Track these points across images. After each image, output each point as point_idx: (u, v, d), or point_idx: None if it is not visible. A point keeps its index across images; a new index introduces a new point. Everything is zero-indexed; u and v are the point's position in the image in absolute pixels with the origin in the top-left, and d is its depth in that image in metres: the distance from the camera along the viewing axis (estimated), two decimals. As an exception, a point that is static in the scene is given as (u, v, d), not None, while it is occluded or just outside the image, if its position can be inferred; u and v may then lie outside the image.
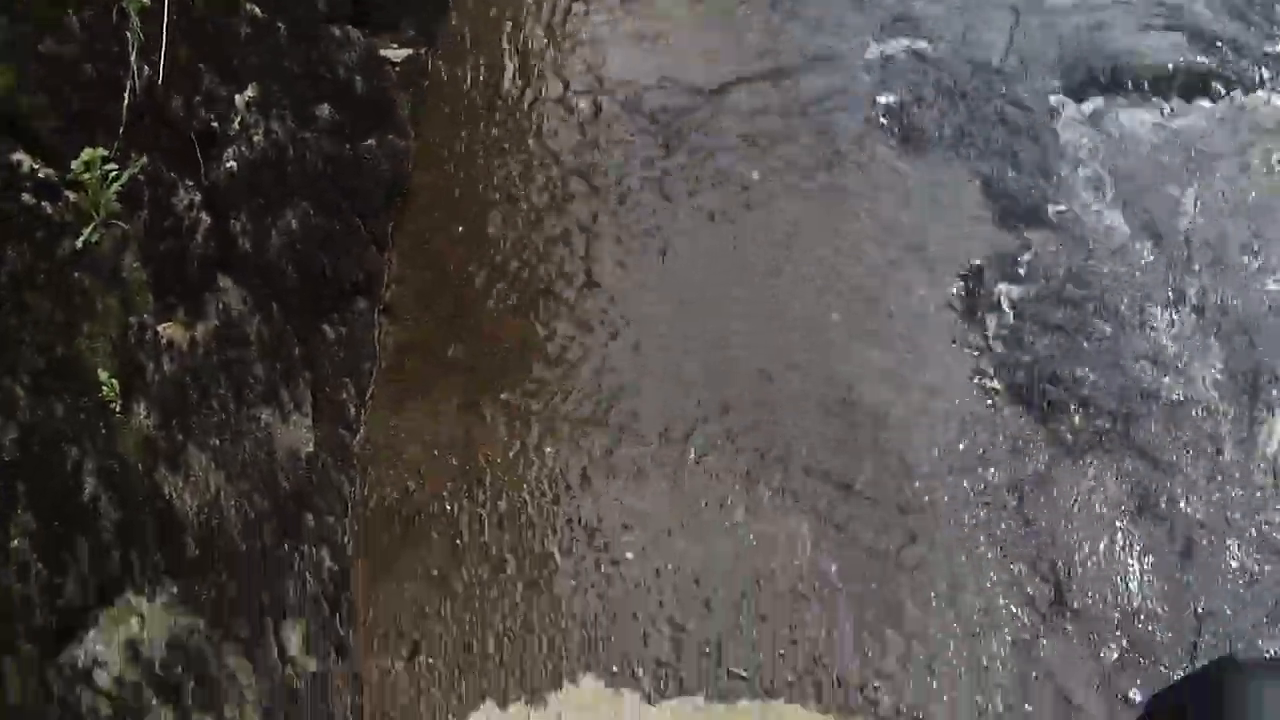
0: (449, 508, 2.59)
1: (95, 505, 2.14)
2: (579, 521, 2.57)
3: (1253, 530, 2.55)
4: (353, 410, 2.71)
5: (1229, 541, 2.55)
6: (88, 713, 2.05)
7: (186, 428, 2.34)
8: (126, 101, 2.49)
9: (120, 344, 2.28)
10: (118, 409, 2.22)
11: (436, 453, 2.66)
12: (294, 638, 2.38)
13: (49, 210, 2.28)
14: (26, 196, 2.28)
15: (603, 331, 2.80)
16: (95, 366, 2.22)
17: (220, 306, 2.50)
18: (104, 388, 2.20)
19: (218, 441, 2.37)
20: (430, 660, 2.45)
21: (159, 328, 2.36)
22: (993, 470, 2.62)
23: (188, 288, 2.48)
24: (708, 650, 2.45)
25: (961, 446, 2.64)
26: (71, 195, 2.32)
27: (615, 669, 2.44)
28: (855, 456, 2.62)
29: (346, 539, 2.54)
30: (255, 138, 2.76)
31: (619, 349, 2.78)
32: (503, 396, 2.72)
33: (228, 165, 2.68)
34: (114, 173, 2.34)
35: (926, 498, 2.59)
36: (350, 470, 2.63)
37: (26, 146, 2.32)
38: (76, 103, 2.43)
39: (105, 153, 2.31)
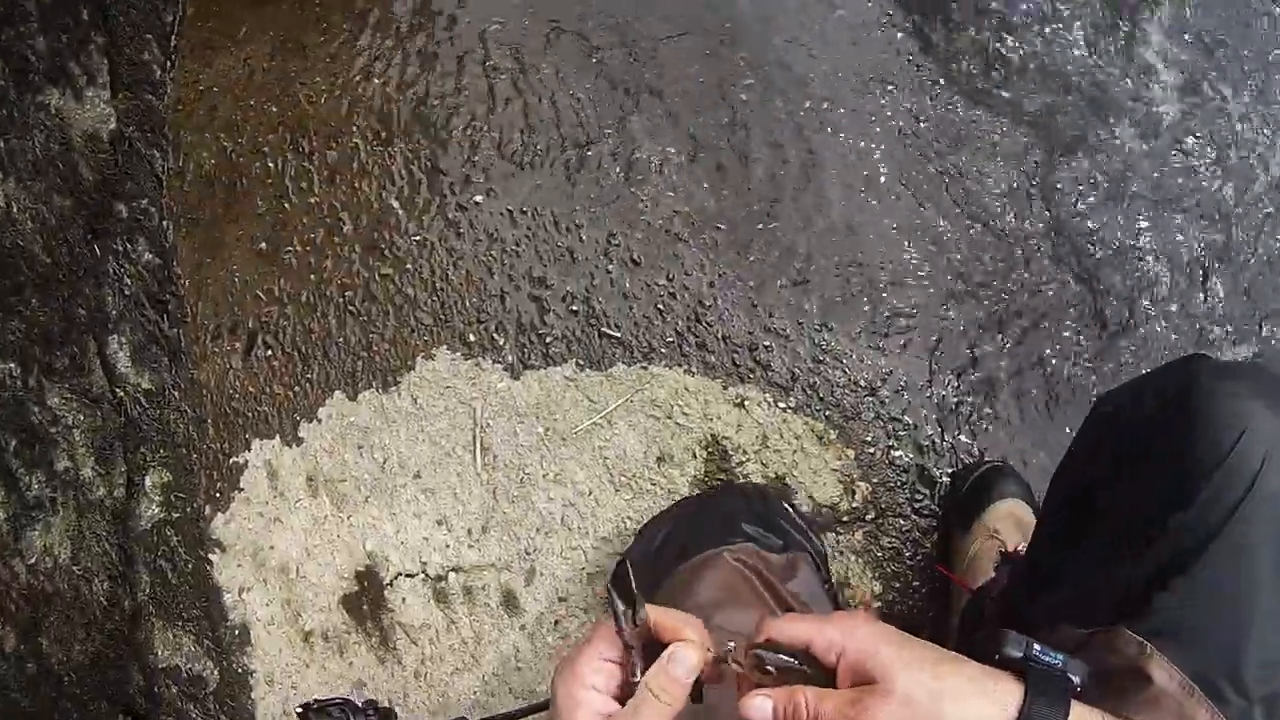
0: (272, 165, 2.11)
1: None
2: (419, 164, 2.04)
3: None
4: (158, 71, 2.24)
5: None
6: None
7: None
8: None
9: None
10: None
11: (253, 103, 2.16)
12: (121, 354, 2.01)
13: None
14: None
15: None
16: None
17: None
18: None
19: (2, 143, 1.97)
20: (269, 352, 2.00)
21: None
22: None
23: None
24: (574, 309, 1.91)
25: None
26: None
27: (473, 338, 1.94)
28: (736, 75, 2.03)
29: (165, 223, 2.11)
30: None
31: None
32: (324, 26, 2.19)
33: None
34: None
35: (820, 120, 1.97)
36: (161, 141, 2.18)
37: None
38: None
39: None
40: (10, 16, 2.04)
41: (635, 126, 1.96)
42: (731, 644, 0.90)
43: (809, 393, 1.80)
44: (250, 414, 1.99)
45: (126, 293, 2.03)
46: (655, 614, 0.90)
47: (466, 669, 1.83)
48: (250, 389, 2.00)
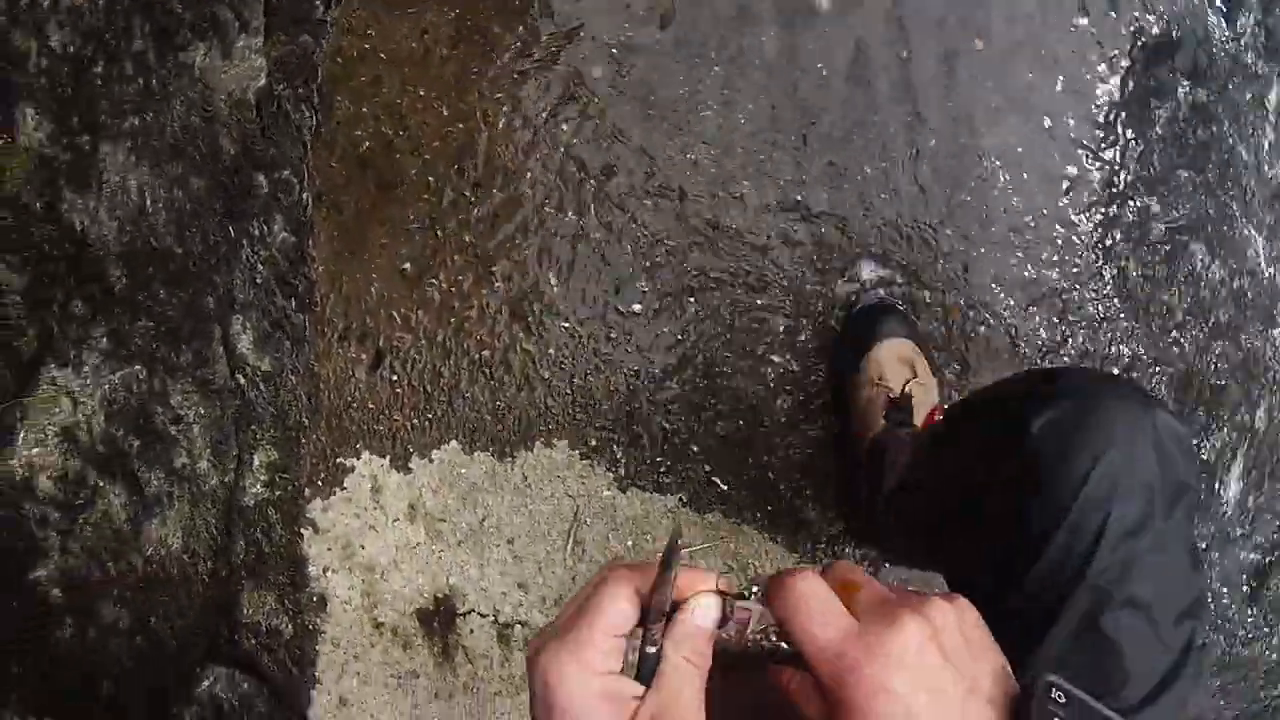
0: (431, 180, 2.13)
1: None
2: (588, 247, 2.12)
3: None
4: (320, 7, 2.14)
5: None
6: (37, 525, 1.91)
7: (93, 123, 1.91)
8: None
9: None
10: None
11: (423, 94, 2.14)
12: (244, 337, 2.15)
13: None
14: None
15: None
16: None
17: None
18: None
19: (136, 121, 1.94)
20: (395, 377, 2.19)
21: None
22: None
23: None
24: (697, 453, 2.17)
25: None
26: None
27: (594, 443, 2.16)
28: None
29: (305, 196, 2.16)
30: None
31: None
32: (521, 27, 2.12)
33: None
34: None
35: None
36: (313, 95, 2.14)
37: None
38: None
39: None
40: None
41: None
42: (755, 588, 0.82)
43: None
44: (365, 427, 2.20)
45: (258, 281, 2.12)
46: (685, 576, 0.82)
47: (507, 695, 2.23)
48: (370, 404, 2.19)
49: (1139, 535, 1.09)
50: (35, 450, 1.93)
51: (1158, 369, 2.14)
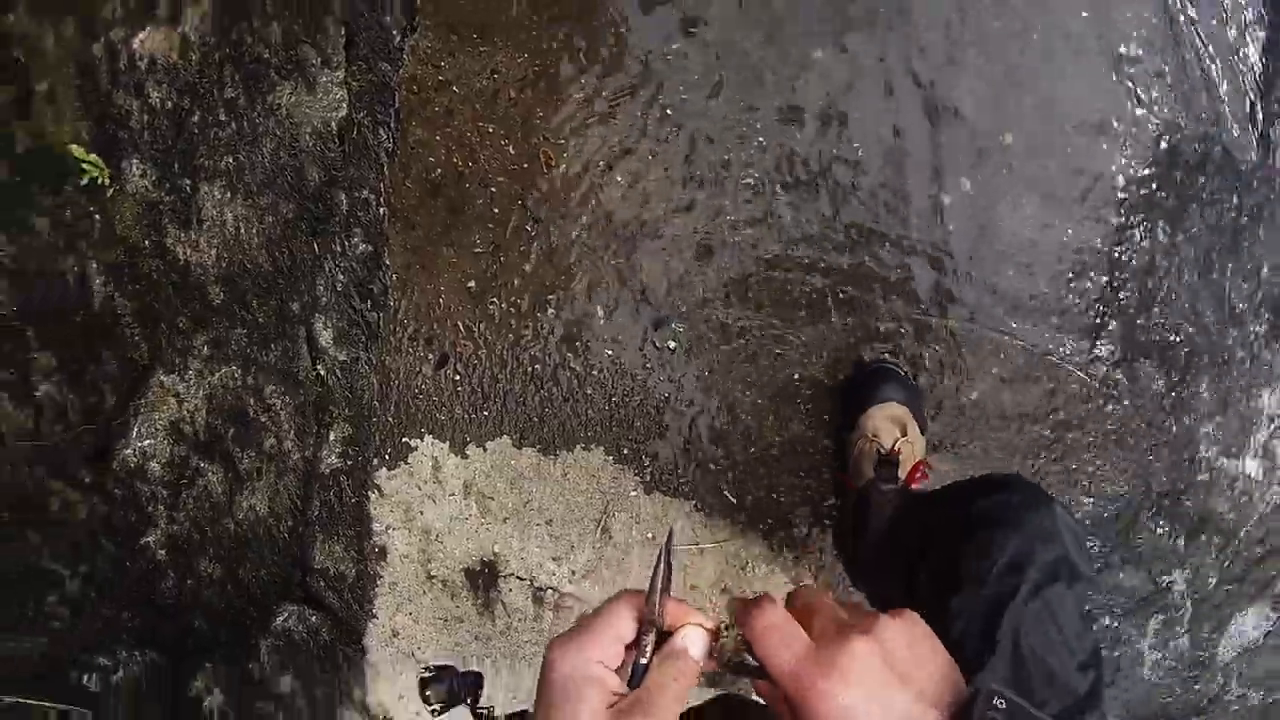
0: (497, 211, 2.42)
1: (110, 306, 2.13)
2: (631, 286, 2.43)
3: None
4: (396, 36, 2.37)
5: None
6: (147, 502, 2.23)
7: (192, 168, 2.15)
8: None
9: (88, 94, 2.02)
10: (108, 187, 2.07)
11: (491, 130, 2.39)
12: (326, 333, 2.45)
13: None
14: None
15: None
16: (66, 144, 2.02)
17: None
18: (85, 169, 2.01)
19: (231, 160, 2.19)
20: (457, 377, 2.52)
21: (135, 43, 2.05)
22: None
23: None
24: (714, 467, 2.54)
25: None
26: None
27: (626, 451, 2.52)
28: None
29: (381, 210, 2.46)
30: None
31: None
32: (583, 80, 2.38)
33: None
34: None
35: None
36: (390, 119, 2.39)
37: None
38: None
39: None
40: (240, 9, 2.18)
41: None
42: (736, 630, 0.96)
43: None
44: (429, 416, 2.54)
45: (338, 286, 2.41)
46: (672, 605, 0.96)
47: (536, 645, 2.66)
48: (434, 398, 2.52)
49: (1040, 595, 1.40)
50: (147, 442, 2.27)
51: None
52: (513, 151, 2.39)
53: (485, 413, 2.52)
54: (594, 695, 0.90)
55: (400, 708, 2.75)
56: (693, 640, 0.95)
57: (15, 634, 2.30)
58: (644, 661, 0.94)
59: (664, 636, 0.95)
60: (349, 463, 2.56)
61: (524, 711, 2.53)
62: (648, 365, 2.44)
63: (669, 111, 2.35)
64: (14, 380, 2.11)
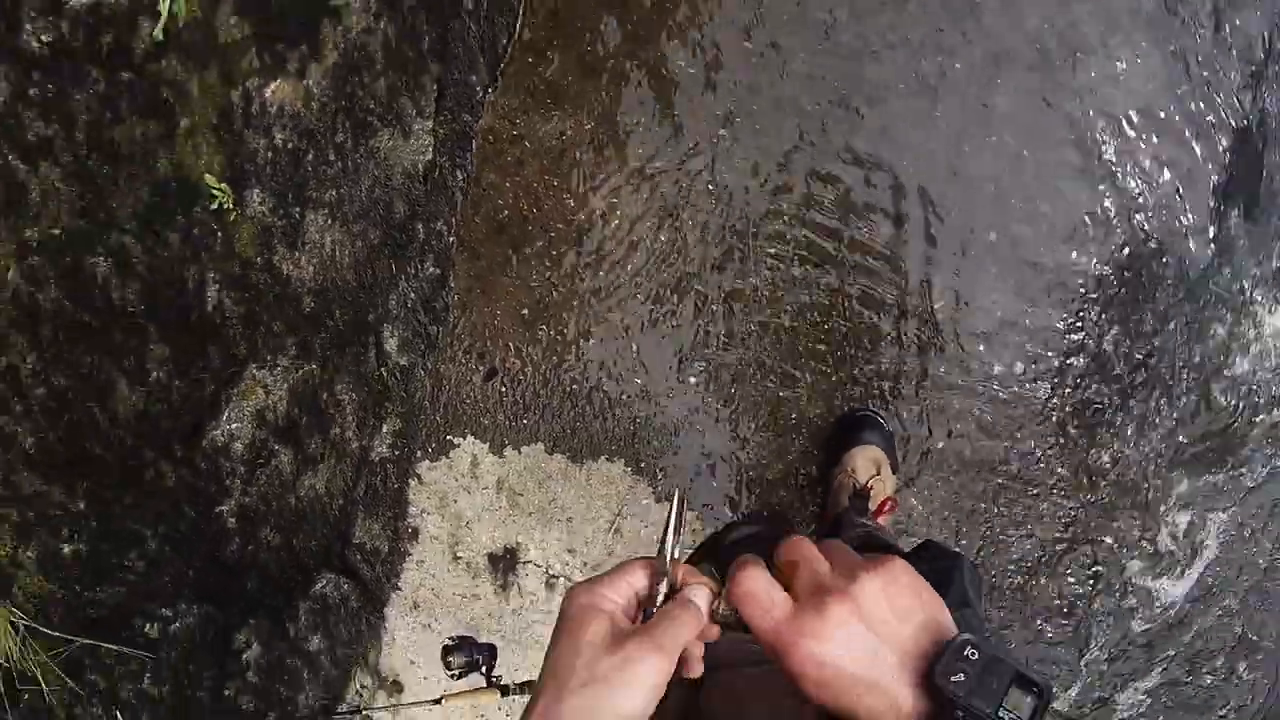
0: (553, 254, 2.83)
1: (220, 310, 2.47)
2: (659, 324, 2.86)
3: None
4: (479, 91, 2.77)
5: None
6: (227, 476, 2.59)
7: (302, 198, 2.51)
8: None
9: (224, 131, 2.35)
10: (232, 211, 2.41)
11: (555, 185, 2.81)
12: (392, 340, 2.82)
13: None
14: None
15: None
16: (202, 173, 2.34)
17: (340, 30, 2.47)
18: (215, 195, 2.34)
19: (335, 193, 2.55)
20: (503, 389, 2.92)
21: (267, 92, 2.39)
22: None
23: (301, 23, 2.44)
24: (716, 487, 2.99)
25: None
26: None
27: (643, 465, 2.95)
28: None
29: (451, 239, 2.84)
30: None
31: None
32: (646, 150, 2.80)
33: None
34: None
35: None
36: (467, 162, 2.80)
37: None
38: None
39: None
40: (356, 67, 2.54)
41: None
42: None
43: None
44: (473, 419, 2.94)
45: (408, 303, 2.79)
46: (683, 569, 1.05)
47: (544, 625, 3.08)
48: (480, 404, 2.93)
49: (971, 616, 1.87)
50: (234, 425, 2.62)
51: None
52: (572, 205, 2.80)
53: (524, 421, 2.93)
54: (601, 623, 1.00)
55: (410, 672, 3.16)
56: (698, 595, 1.04)
57: (100, 584, 2.65)
58: (653, 610, 1.04)
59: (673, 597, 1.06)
60: (396, 453, 2.94)
61: (531, 680, 2.93)
62: (671, 395, 2.87)
63: (710, 186, 2.78)
64: (132, 368, 2.45)
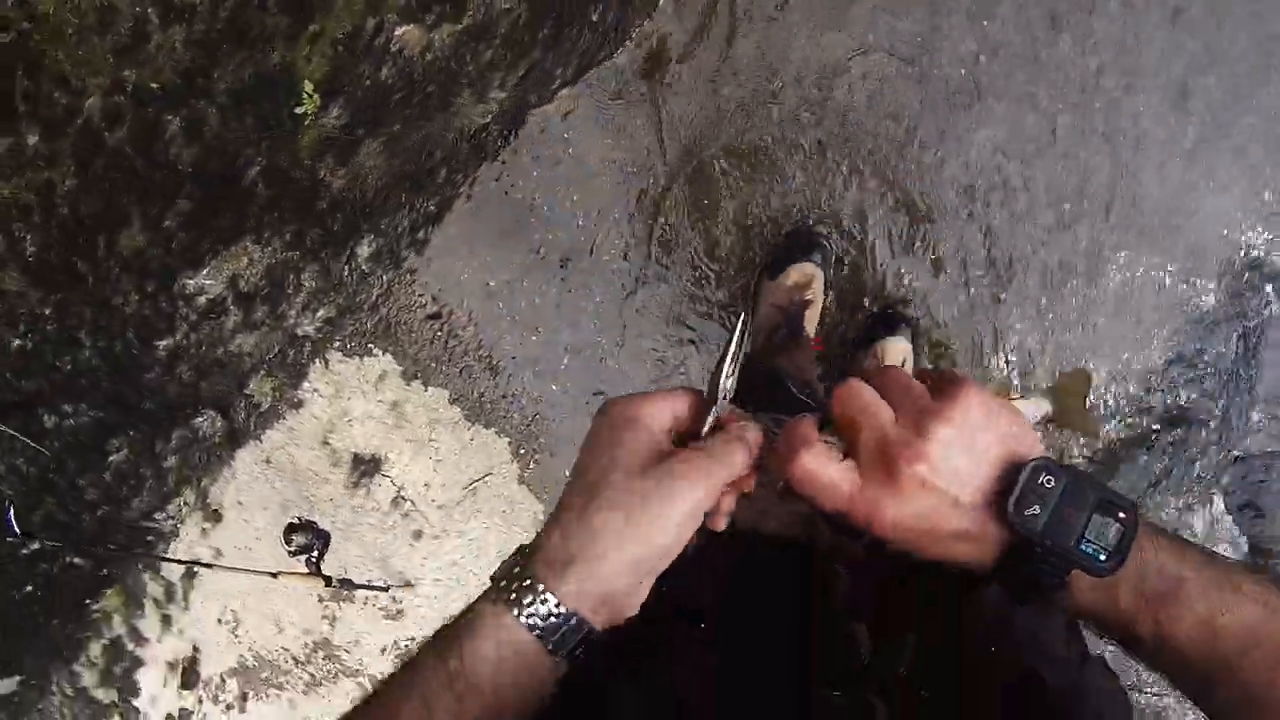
0: (539, 252, 3.11)
1: (252, 189, 2.64)
2: (588, 369, 3.24)
3: None
4: (558, 83, 3.01)
5: None
6: (180, 320, 2.76)
7: (369, 125, 2.69)
8: None
9: (343, 48, 2.50)
10: (309, 117, 2.55)
11: (575, 199, 3.08)
12: (367, 248, 3.03)
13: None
14: None
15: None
16: (304, 77, 2.49)
17: (485, 3, 2.63)
18: (305, 99, 2.49)
19: (398, 127, 2.73)
20: (439, 334, 3.20)
21: (397, 31, 2.54)
22: None
23: None
24: None
25: None
26: None
27: (522, 451, 3.36)
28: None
29: (462, 191, 3.06)
30: None
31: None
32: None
33: None
34: None
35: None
36: (510, 137, 3.05)
37: None
38: None
39: None
40: (478, 35, 2.75)
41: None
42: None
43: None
44: (399, 343, 3.24)
45: (398, 228, 3.03)
46: (733, 414, 1.00)
47: (376, 530, 3.45)
48: (412, 334, 3.23)
49: None
50: (208, 281, 2.79)
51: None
52: (579, 225, 3.08)
53: (443, 368, 3.24)
54: (641, 436, 0.95)
55: (234, 510, 3.46)
56: (750, 433, 0.98)
57: (28, 376, 2.79)
58: (701, 436, 0.99)
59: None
60: (318, 334, 3.19)
61: (348, 579, 3.31)
62: (576, 413, 3.25)
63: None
64: (153, 214, 2.58)
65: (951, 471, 0.91)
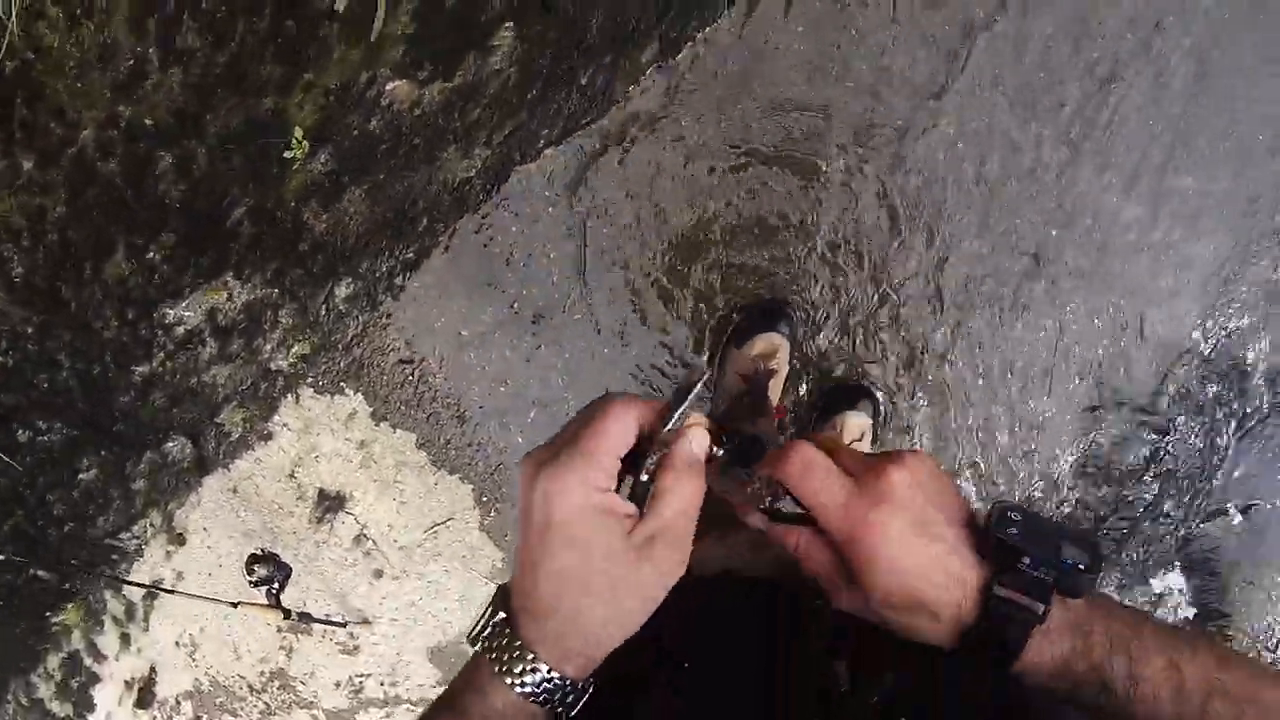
0: (512, 306, 3.19)
1: (237, 228, 2.77)
2: (554, 425, 3.29)
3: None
4: (542, 143, 3.07)
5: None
6: (158, 348, 2.87)
7: (358, 176, 2.82)
8: None
9: (335, 98, 2.63)
10: (298, 162, 2.68)
11: (551, 257, 3.15)
12: (345, 290, 3.13)
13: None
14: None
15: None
16: (295, 124, 2.62)
17: (478, 62, 2.76)
18: (295, 144, 2.62)
19: (383, 176, 2.86)
20: (410, 379, 3.29)
21: (388, 86, 2.67)
22: None
23: (457, 47, 2.72)
24: None
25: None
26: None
27: (484, 500, 3.45)
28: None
29: (441, 240, 3.16)
30: None
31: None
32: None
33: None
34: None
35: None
36: (491, 191, 3.12)
37: None
38: None
39: None
40: (468, 94, 2.85)
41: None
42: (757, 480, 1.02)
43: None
44: (370, 383, 3.32)
45: (378, 272, 3.13)
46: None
47: (337, 566, 3.53)
48: (384, 376, 3.30)
49: None
50: (188, 312, 2.91)
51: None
52: (554, 282, 3.18)
53: (412, 412, 3.33)
54: (611, 531, 0.90)
55: (198, 535, 3.55)
56: (696, 440, 0.96)
57: (5, 391, 2.90)
58: (645, 479, 0.93)
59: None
60: (290, 372, 3.29)
61: (307, 613, 3.39)
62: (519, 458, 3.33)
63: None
64: (138, 245, 2.70)
65: (928, 489, 0.98)
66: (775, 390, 2.96)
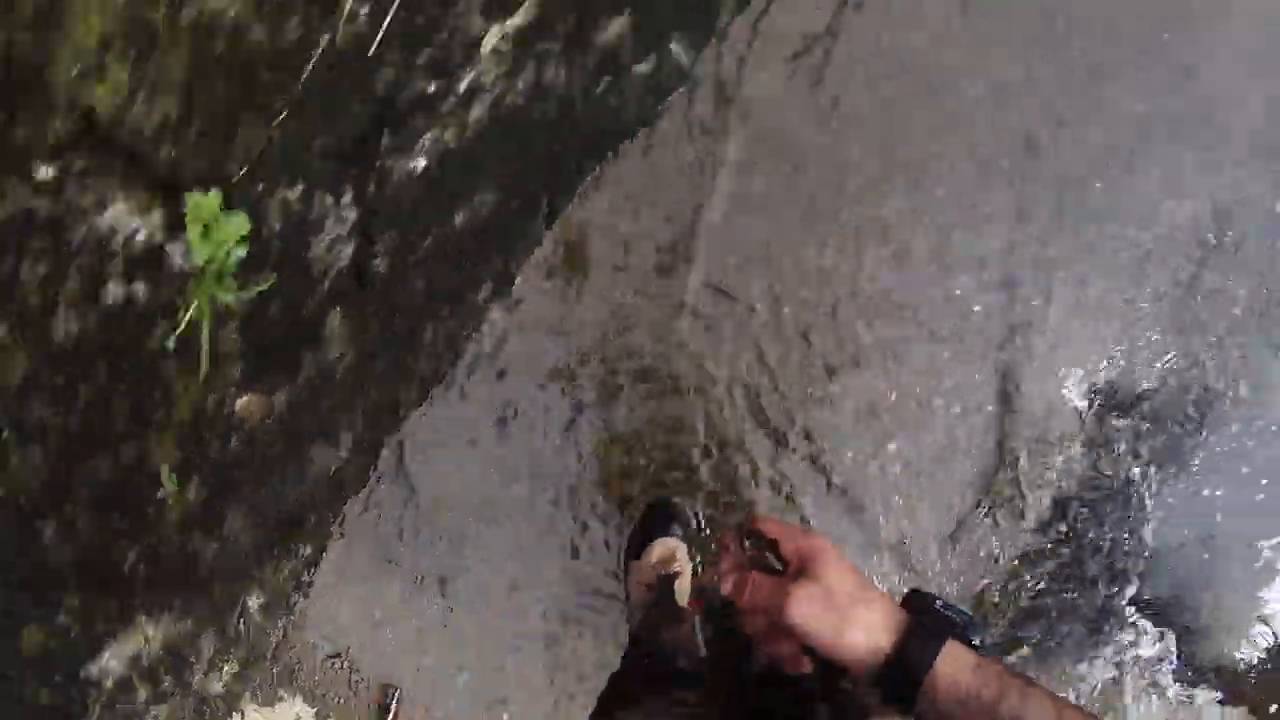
0: (418, 578, 3.40)
1: (134, 574, 2.96)
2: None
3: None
4: (400, 417, 3.36)
5: None
6: (91, 703, 3.07)
7: (230, 495, 3.02)
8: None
9: (190, 429, 2.82)
10: (173, 498, 2.87)
11: (423, 534, 3.39)
12: (257, 601, 3.29)
13: (142, 295, 2.52)
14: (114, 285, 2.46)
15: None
16: (160, 464, 2.80)
17: (316, 359, 2.99)
18: (166, 485, 2.80)
19: (258, 488, 3.08)
20: (340, 672, 3.44)
21: (237, 402, 2.87)
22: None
23: (290, 348, 2.93)
24: None
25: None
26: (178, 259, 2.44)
27: None
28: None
29: (332, 529, 3.36)
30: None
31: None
32: None
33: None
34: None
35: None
36: (368, 470, 3.36)
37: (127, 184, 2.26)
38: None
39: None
40: (315, 388, 3.09)
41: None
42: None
43: None
44: (307, 687, 3.44)
45: (281, 575, 3.30)
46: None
47: None
48: (316, 676, 3.42)
49: None
50: (111, 663, 3.04)
51: None
52: (431, 556, 3.37)
53: (350, 703, 3.45)
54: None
55: None
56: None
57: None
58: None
59: None
60: (228, 690, 3.40)
61: None
62: None
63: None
64: (47, 615, 2.87)
65: (844, 567, 1.17)
66: (683, 590, 3.05)
